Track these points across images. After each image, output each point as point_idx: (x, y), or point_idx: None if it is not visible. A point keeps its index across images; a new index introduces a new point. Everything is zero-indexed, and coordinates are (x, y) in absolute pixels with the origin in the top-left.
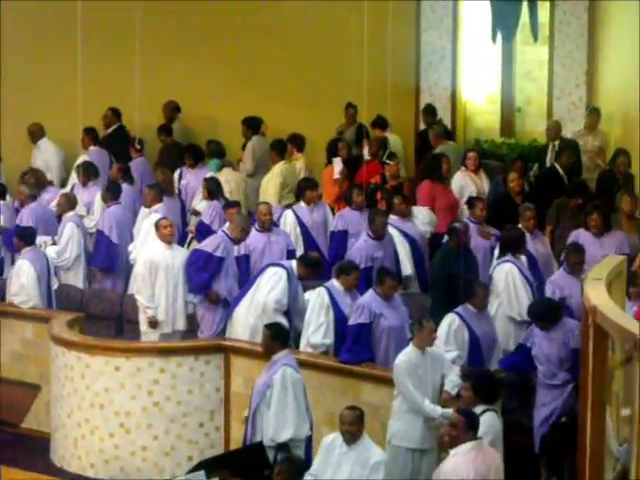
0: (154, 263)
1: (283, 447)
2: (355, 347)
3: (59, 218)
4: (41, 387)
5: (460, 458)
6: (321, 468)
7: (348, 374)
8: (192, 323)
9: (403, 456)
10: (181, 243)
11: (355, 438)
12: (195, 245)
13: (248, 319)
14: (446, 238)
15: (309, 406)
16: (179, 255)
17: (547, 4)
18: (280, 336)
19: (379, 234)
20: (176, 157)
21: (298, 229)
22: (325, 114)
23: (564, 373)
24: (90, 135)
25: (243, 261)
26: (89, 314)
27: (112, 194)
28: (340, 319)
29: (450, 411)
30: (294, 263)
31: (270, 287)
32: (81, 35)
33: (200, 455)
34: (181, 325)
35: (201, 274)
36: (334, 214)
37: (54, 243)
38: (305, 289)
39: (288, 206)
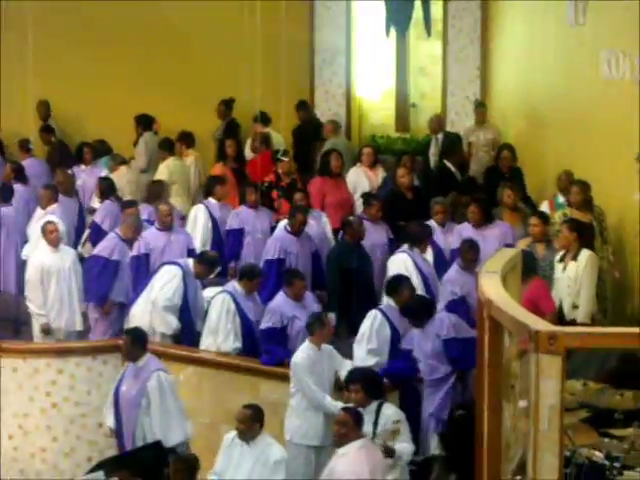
0: (44, 269)
1: (172, 450)
2: (270, 348)
3: None
4: None
5: (352, 457)
6: (223, 466)
7: (247, 372)
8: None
9: (304, 454)
10: (77, 243)
11: (248, 436)
12: (89, 245)
13: (144, 318)
14: (341, 233)
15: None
16: (68, 257)
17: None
18: (140, 340)
19: (297, 230)
20: (66, 156)
21: (210, 225)
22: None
23: (444, 366)
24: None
25: (143, 260)
26: None
27: (2, 195)
28: (246, 323)
29: (351, 406)
30: (190, 261)
31: (162, 284)
32: None
33: (100, 456)
34: (78, 326)
35: (99, 283)
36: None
37: None
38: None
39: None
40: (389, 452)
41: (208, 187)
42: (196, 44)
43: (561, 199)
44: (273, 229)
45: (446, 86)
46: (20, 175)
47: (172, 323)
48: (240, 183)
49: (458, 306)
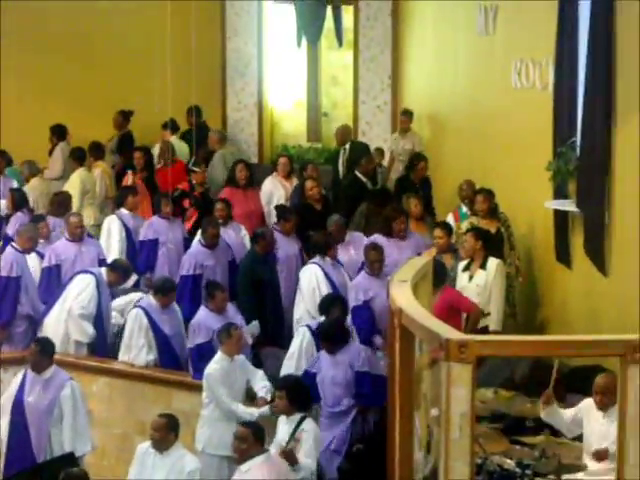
0: None
1: (74, 460)
2: (202, 365)
3: None
4: None
5: (255, 472)
6: (137, 476)
7: (159, 382)
8: None
9: (217, 464)
10: None
11: (162, 445)
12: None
13: (58, 329)
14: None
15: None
16: None
17: (351, 9)
18: (48, 351)
19: (210, 242)
20: None
21: (124, 234)
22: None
23: (348, 398)
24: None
25: (54, 271)
26: None
27: None
28: (161, 336)
29: (266, 409)
30: (103, 270)
31: (77, 293)
32: None
33: None
34: None
35: (5, 302)
36: None
37: None
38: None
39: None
40: (289, 458)
41: (120, 198)
42: (106, 53)
43: (464, 209)
44: (186, 239)
45: (357, 95)
46: None
47: (88, 331)
48: (151, 193)
49: (362, 311)
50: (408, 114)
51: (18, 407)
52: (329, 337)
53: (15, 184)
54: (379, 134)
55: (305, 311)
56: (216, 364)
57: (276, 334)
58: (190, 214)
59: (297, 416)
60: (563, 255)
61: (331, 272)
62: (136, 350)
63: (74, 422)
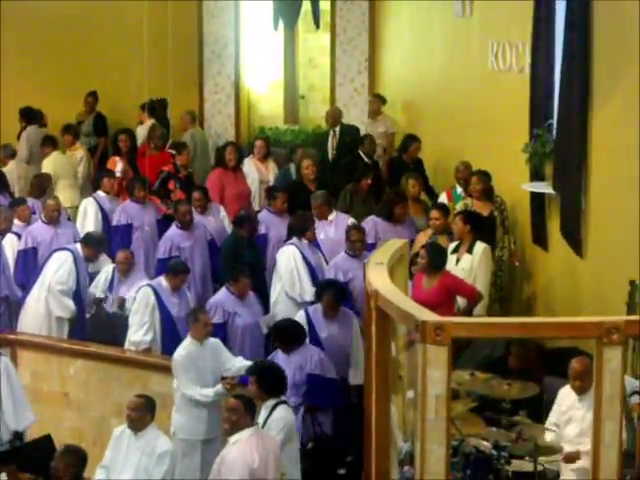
0: None
1: (20, 436)
2: None
3: None
4: None
5: (243, 444)
6: (112, 460)
7: (135, 365)
8: None
9: (190, 448)
10: None
11: (137, 425)
12: None
13: (39, 308)
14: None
15: None
16: None
17: None
18: None
19: (183, 221)
20: None
21: (100, 217)
22: (108, 106)
23: (295, 397)
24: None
25: (31, 254)
26: None
27: None
28: (167, 318)
29: (219, 387)
30: (79, 246)
31: (55, 269)
32: None
33: None
34: None
35: None
36: None
37: None
38: None
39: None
40: None
41: (96, 180)
42: (83, 36)
43: (459, 190)
44: (159, 222)
45: (335, 77)
46: None
47: (70, 306)
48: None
49: None
50: (378, 97)
51: None
52: (282, 336)
53: None
54: (357, 116)
55: (282, 292)
56: (183, 350)
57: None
58: (175, 196)
59: (271, 402)
60: (540, 237)
61: (308, 254)
62: (135, 327)
63: (12, 396)
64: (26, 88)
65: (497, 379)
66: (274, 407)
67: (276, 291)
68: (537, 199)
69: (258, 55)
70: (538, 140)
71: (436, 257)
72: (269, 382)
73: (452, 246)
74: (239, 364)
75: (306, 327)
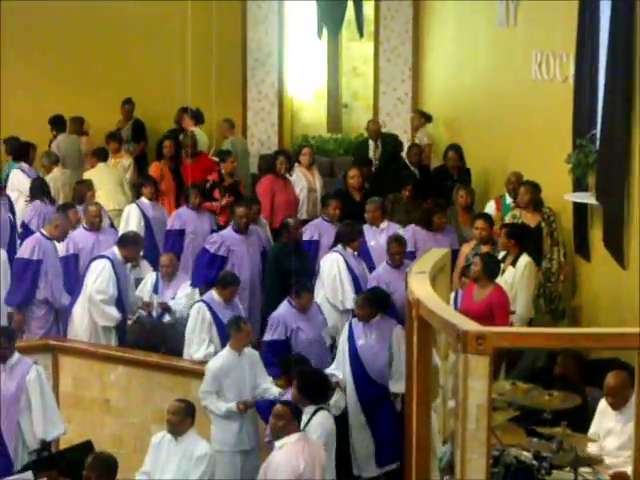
0: None
1: (46, 446)
2: (274, 360)
3: None
4: None
5: (289, 449)
6: (153, 465)
7: (176, 371)
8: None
9: (226, 459)
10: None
11: (178, 429)
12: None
13: (84, 318)
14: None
15: None
16: None
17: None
18: (13, 339)
19: (240, 225)
20: None
21: (142, 223)
22: (150, 112)
23: None
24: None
25: (72, 260)
26: None
27: None
28: (223, 331)
29: (232, 405)
30: (116, 250)
31: (94, 279)
32: None
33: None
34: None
35: (19, 285)
36: None
37: None
38: None
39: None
40: None
41: (139, 187)
42: (127, 44)
43: (508, 200)
44: (214, 231)
45: (378, 86)
46: None
47: (113, 314)
48: (176, 184)
49: None
50: (420, 114)
51: None
52: (308, 390)
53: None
54: (399, 125)
55: (324, 298)
56: (218, 360)
57: None
58: (222, 204)
59: (311, 408)
60: (582, 248)
61: (352, 263)
62: (196, 345)
63: (43, 406)
64: (66, 95)
65: (538, 389)
66: (314, 413)
67: (319, 297)
68: (580, 210)
69: (302, 63)
70: (581, 150)
71: (490, 266)
72: (310, 388)
73: (499, 256)
74: (265, 385)
75: (347, 339)
